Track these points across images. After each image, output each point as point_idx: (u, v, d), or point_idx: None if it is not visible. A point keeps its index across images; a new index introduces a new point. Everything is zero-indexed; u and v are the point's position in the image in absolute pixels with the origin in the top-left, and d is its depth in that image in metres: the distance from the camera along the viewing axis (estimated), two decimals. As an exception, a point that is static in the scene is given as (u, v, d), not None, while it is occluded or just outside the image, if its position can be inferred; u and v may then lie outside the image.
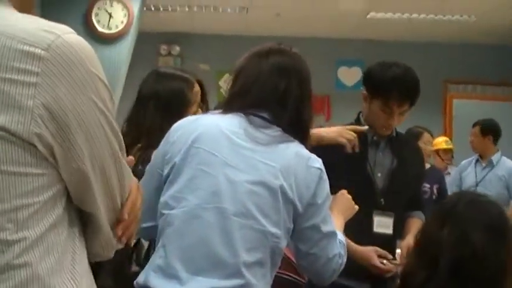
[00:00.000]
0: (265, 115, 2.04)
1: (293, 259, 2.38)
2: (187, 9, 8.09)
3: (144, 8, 6.79)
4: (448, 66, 9.32)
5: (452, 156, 7.33)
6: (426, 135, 5.92)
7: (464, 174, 6.47)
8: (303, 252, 2.10)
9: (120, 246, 1.36)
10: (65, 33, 1.16)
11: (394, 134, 3.04)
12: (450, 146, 7.23)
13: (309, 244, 2.07)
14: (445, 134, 8.58)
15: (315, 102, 9.21)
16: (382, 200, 2.94)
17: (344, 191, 2.47)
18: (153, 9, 7.96)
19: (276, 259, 2.00)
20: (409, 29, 8.63)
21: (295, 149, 2.02)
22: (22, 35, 1.12)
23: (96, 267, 1.33)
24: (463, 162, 6.60)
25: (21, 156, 1.11)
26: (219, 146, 1.99)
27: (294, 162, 1.99)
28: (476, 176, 6.33)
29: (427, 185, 5.60)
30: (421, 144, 5.48)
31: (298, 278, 3.16)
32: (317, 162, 2.04)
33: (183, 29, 9.08)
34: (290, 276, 3.26)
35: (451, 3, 7.45)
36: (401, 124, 3.00)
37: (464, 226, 1.98)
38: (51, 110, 1.12)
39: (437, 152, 7.11)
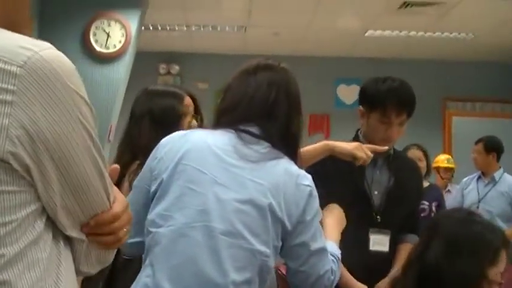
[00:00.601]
0: (254, 130, 2.03)
1: None
2: (185, 28, 8.11)
3: (142, 28, 6.79)
4: (447, 84, 9.34)
5: (452, 175, 7.29)
6: (412, 151, 5.77)
7: (466, 192, 6.42)
8: (292, 270, 2.08)
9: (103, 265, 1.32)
10: (42, 49, 1.13)
11: (392, 151, 3.02)
12: (451, 165, 7.18)
13: (299, 262, 2.05)
14: (444, 151, 8.57)
15: (314, 121, 9.21)
16: (378, 217, 2.91)
17: (335, 204, 2.47)
18: (151, 28, 7.97)
19: (264, 277, 1.99)
20: (407, 47, 8.65)
21: (284, 166, 2.01)
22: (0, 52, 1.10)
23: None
24: (465, 179, 6.56)
25: None
26: (207, 163, 1.98)
27: (283, 180, 1.98)
28: (478, 193, 6.29)
29: (426, 203, 5.55)
30: None
31: None
32: (306, 179, 2.03)
33: (181, 48, 9.10)
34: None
35: (448, 21, 7.46)
36: (400, 141, 2.98)
37: (428, 240, 2.00)
38: (27, 129, 1.09)
39: (437, 169, 7.08)
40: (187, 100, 2.81)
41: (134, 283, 1.98)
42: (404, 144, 5.57)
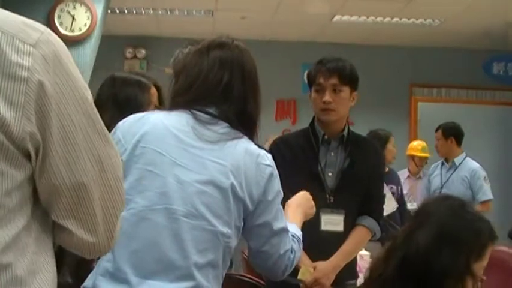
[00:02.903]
0: (211, 110, 2.02)
1: None
2: (152, 12, 8.03)
3: (109, 11, 6.71)
4: (414, 70, 9.37)
5: (426, 163, 7.28)
6: (393, 139, 5.96)
7: (432, 177, 6.59)
8: (254, 250, 2.08)
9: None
10: (46, 30, 1.22)
11: (346, 133, 3.06)
12: (426, 155, 7.16)
13: (260, 242, 2.05)
14: (410, 137, 8.63)
15: (281, 106, 9.20)
16: (331, 198, 2.98)
17: (306, 192, 2.46)
18: (117, 12, 7.88)
19: (226, 259, 1.99)
20: (374, 33, 8.66)
21: (244, 146, 2.00)
22: (13, 31, 1.17)
23: (58, 264, 1.31)
24: (433, 165, 6.73)
25: (9, 155, 1.12)
26: (167, 145, 1.96)
27: (244, 159, 1.98)
28: (441, 178, 6.42)
29: (394, 186, 5.72)
30: (390, 147, 5.58)
31: (258, 280, 3.15)
32: (267, 158, 2.03)
33: (148, 32, 9.02)
34: (249, 278, 3.25)
35: (415, 7, 7.48)
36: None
37: (416, 226, 1.98)
38: (40, 104, 1.14)
39: (412, 157, 7.12)
40: (153, 90, 2.83)
41: (95, 268, 1.97)
42: (370, 127, 5.64)
